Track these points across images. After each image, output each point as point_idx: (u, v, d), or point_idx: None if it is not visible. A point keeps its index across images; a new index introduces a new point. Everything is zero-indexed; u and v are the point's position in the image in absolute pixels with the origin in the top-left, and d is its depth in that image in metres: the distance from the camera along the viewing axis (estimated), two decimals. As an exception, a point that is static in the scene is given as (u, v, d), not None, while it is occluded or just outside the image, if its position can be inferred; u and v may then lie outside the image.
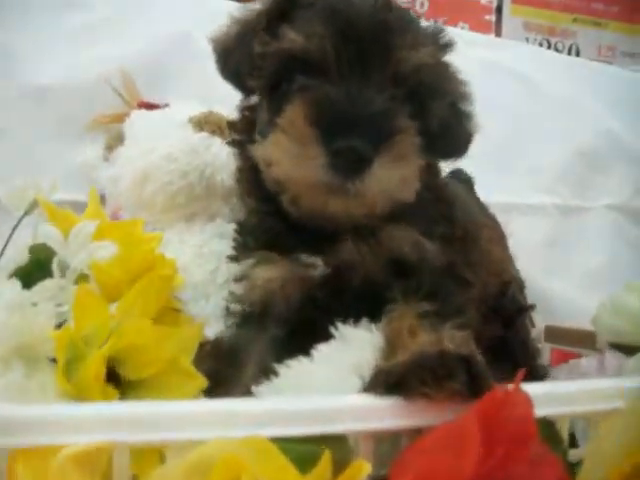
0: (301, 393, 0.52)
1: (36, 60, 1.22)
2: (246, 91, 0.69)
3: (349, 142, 0.56)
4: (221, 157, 0.86)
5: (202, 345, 0.73)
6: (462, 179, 1.17)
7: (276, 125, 0.60)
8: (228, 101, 0.78)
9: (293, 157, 0.58)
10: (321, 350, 0.56)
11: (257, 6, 0.70)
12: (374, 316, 0.63)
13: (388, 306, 0.62)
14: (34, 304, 0.54)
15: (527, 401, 0.46)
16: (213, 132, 0.89)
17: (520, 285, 0.97)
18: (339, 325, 0.59)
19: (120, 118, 1.18)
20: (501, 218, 1.39)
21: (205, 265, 0.80)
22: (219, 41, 0.70)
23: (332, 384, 0.52)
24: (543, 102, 1.54)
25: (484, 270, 0.81)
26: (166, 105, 1.16)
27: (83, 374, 0.51)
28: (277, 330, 0.68)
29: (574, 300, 1.41)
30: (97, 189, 1.02)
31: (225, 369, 0.67)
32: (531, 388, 0.46)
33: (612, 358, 0.74)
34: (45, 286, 0.57)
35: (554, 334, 1.15)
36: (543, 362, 0.96)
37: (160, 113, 1.03)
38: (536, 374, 0.89)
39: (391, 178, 0.59)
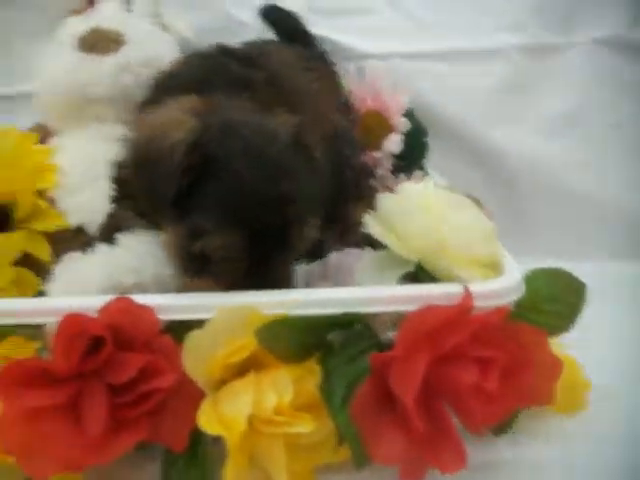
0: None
1: None
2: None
3: None
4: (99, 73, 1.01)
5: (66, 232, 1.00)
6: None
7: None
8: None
9: None
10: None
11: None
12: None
13: None
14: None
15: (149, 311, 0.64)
16: (92, 49, 1.07)
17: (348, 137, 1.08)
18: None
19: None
20: (443, 68, 1.34)
21: (80, 166, 0.97)
22: (137, 152, 0.73)
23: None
24: None
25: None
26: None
27: None
28: None
29: (532, 149, 1.37)
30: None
31: None
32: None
33: (352, 257, 0.86)
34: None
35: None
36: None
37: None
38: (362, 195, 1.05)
39: None
